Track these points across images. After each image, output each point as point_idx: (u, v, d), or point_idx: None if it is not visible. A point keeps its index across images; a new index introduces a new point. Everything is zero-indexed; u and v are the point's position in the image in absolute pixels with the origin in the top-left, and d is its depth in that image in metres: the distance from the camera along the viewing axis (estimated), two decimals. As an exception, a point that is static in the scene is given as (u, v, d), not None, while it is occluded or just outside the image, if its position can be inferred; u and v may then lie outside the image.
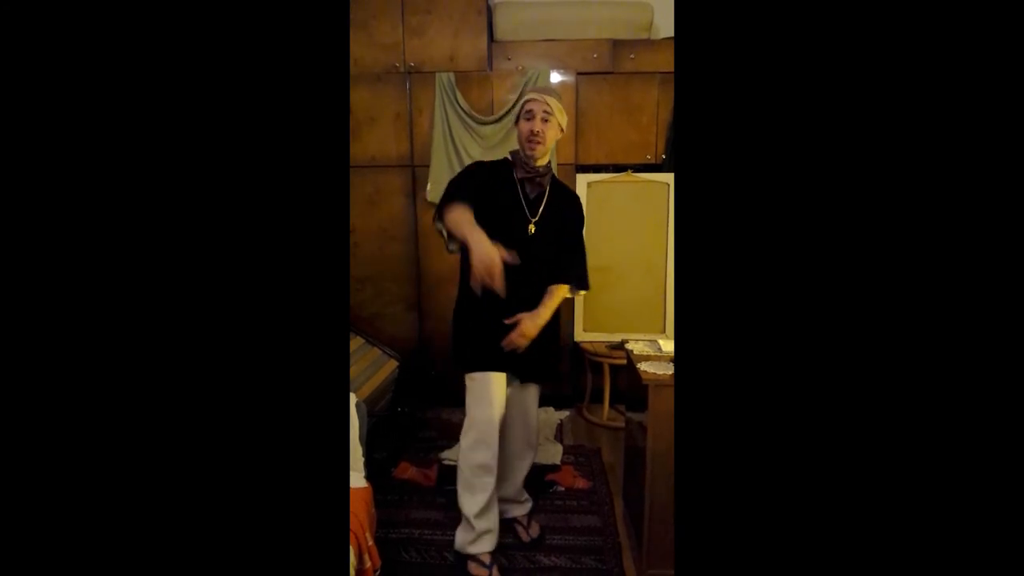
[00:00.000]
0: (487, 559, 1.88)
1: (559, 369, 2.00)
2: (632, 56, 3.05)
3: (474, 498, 1.85)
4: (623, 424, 2.72)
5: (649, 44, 3.08)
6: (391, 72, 3.07)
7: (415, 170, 3.14)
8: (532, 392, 1.99)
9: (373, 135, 3.11)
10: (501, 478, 1.95)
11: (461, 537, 1.91)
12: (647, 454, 1.82)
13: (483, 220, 1.67)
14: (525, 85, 2.99)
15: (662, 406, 1.78)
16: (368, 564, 1.62)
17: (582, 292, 1.97)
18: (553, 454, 2.70)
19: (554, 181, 1.90)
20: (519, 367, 1.87)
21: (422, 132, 3.09)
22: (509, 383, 1.88)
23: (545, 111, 1.73)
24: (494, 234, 1.63)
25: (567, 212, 1.90)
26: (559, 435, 2.98)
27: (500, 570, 1.90)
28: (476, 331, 1.84)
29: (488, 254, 1.53)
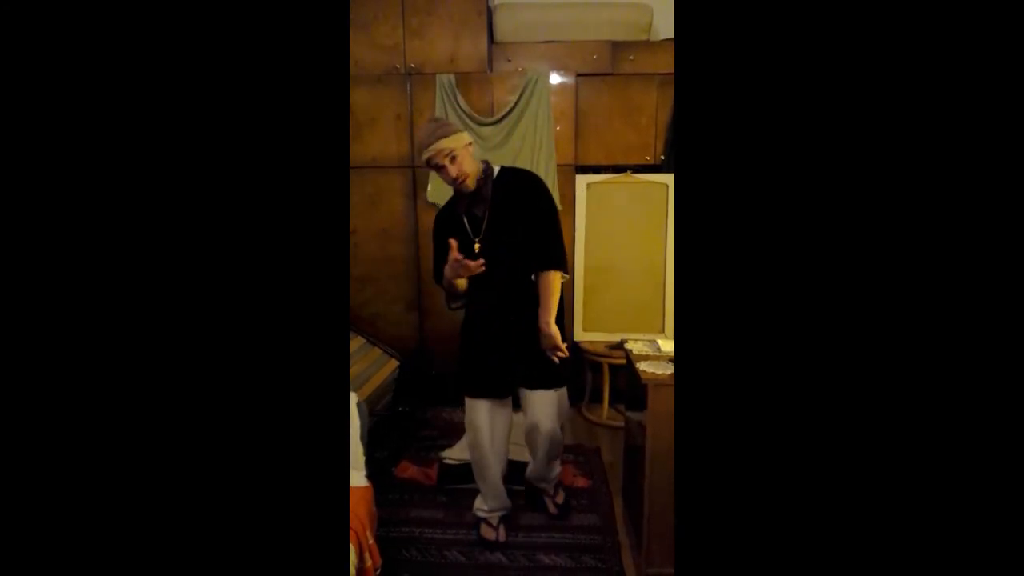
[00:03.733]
0: (495, 521, 2.14)
1: (561, 372, 1.99)
2: (631, 57, 3.05)
3: (483, 485, 2.13)
4: (622, 423, 2.73)
5: (648, 46, 3.08)
6: (392, 73, 3.07)
7: (415, 171, 3.14)
8: (541, 397, 2.01)
9: (374, 136, 3.12)
10: (531, 464, 2.22)
11: (478, 503, 2.17)
12: (646, 453, 1.82)
13: (444, 260, 1.87)
14: (525, 86, 3.00)
15: (661, 406, 1.78)
16: (369, 563, 1.62)
17: (563, 277, 1.92)
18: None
19: (496, 183, 1.90)
20: (517, 380, 2.01)
21: (422, 133, 3.10)
22: (520, 393, 2.05)
23: (450, 155, 1.79)
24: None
25: (521, 203, 1.89)
26: (559, 435, 2.99)
27: (506, 529, 2.14)
28: (468, 359, 2.03)
29: (449, 264, 1.83)
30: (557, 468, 2.26)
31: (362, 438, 1.82)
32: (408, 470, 2.58)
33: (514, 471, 2.32)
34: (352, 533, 1.55)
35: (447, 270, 1.86)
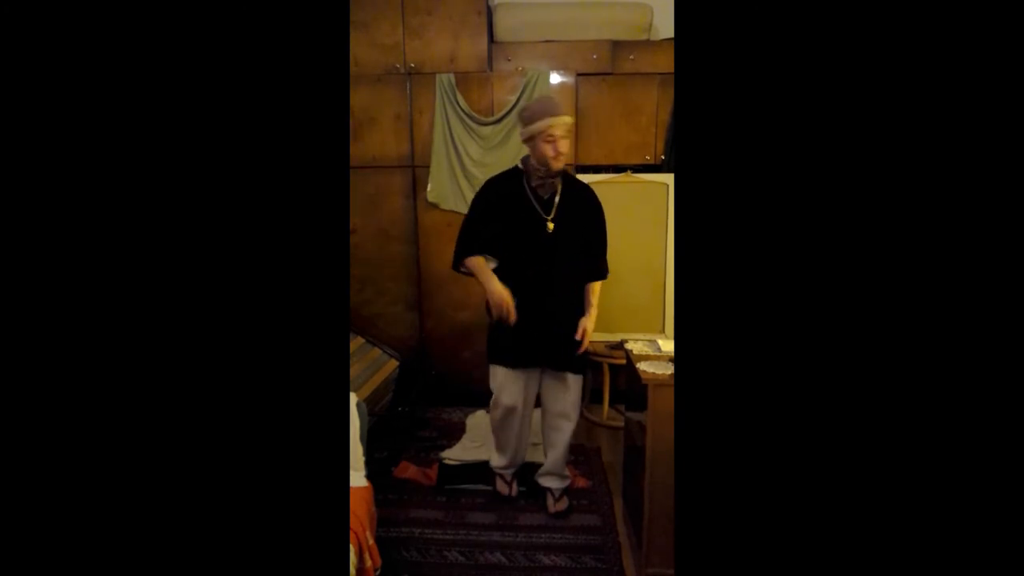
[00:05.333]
0: (508, 476, 2.38)
1: (581, 361, 2.23)
2: (632, 57, 3.05)
3: (504, 452, 2.33)
4: (622, 423, 2.73)
5: (648, 45, 3.08)
6: (391, 73, 3.07)
7: (415, 170, 3.14)
8: (564, 380, 2.21)
9: (374, 136, 3.12)
10: (544, 447, 2.37)
11: (494, 460, 2.38)
12: (646, 454, 1.82)
13: (504, 232, 2.04)
14: (525, 86, 2.99)
15: (661, 406, 1.78)
16: (369, 563, 1.62)
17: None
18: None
19: (565, 176, 2.11)
20: (544, 359, 2.16)
21: (422, 133, 3.10)
22: (542, 372, 2.22)
23: (565, 130, 1.97)
24: (516, 242, 2.04)
25: (584, 203, 2.13)
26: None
27: (517, 484, 2.39)
28: (502, 331, 2.12)
29: (499, 296, 2.01)
30: (568, 472, 2.37)
31: (362, 438, 1.82)
32: (408, 470, 2.58)
33: (526, 470, 2.41)
34: (352, 533, 1.55)
35: (493, 308, 2.04)
